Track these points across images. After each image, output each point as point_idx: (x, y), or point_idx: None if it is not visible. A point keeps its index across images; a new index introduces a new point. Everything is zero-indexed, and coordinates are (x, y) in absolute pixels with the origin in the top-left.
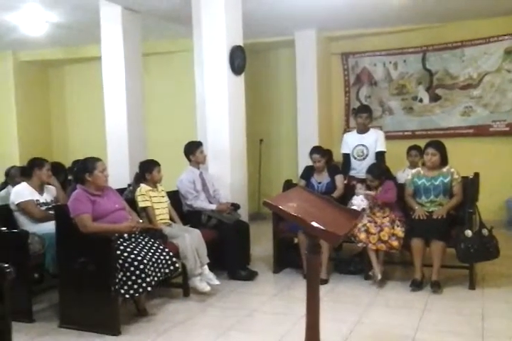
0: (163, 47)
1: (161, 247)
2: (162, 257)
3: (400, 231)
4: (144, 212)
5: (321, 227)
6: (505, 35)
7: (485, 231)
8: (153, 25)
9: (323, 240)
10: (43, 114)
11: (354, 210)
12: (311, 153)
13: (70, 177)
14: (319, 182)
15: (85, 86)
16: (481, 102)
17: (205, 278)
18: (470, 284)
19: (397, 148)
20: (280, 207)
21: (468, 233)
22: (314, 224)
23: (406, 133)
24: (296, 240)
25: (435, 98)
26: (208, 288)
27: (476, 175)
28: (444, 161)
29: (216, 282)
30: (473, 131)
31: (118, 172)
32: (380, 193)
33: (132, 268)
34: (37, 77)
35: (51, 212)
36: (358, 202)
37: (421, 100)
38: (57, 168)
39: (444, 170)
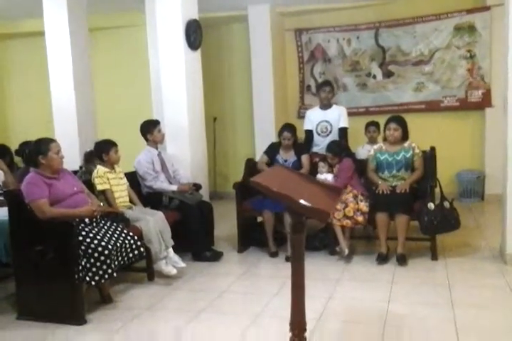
0: (112, 22)
1: (125, 231)
2: (126, 241)
3: (364, 206)
4: (103, 195)
5: (311, 205)
6: (454, 12)
7: (446, 204)
8: None
9: (311, 218)
10: None
11: (336, 187)
12: (282, 131)
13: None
14: (285, 160)
15: (26, 62)
16: (433, 78)
17: (170, 261)
18: (433, 255)
19: (352, 125)
20: (267, 185)
21: (431, 206)
22: (303, 202)
23: (360, 109)
24: (259, 218)
25: (388, 74)
26: (174, 271)
27: (433, 149)
28: (405, 136)
29: (182, 264)
30: (425, 106)
31: (68, 154)
32: (336, 172)
33: (96, 254)
34: None
35: (1, 198)
36: (322, 179)
37: (374, 76)
38: (1, 150)
39: (406, 144)
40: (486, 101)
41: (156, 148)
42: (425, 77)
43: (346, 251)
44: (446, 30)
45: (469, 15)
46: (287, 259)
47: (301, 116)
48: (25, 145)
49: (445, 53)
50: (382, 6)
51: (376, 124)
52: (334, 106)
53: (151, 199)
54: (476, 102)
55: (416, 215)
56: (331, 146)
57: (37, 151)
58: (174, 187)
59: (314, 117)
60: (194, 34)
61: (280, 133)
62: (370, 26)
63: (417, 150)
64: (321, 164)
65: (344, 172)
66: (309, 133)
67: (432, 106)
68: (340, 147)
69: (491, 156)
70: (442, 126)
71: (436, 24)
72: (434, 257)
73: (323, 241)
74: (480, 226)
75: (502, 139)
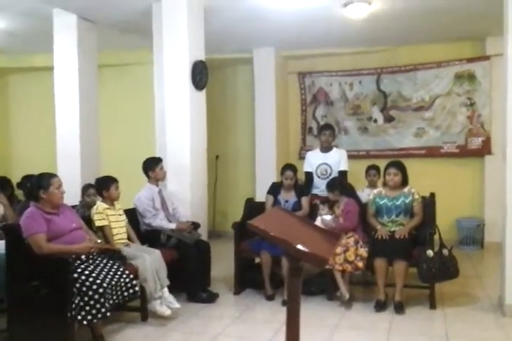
0: (120, 59)
1: (121, 269)
2: (122, 280)
3: (363, 251)
4: (101, 231)
5: (309, 251)
6: (455, 61)
7: (445, 251)
8: (109, 36)
9: (308, 263)
10: None
11: (334, 232)
12: (285, 170)
13: (16, 193)
14: (286, 201)
15: (32, 97)
16: (433, 124)
17: (165, 302)
18: (431, 304)
19: (352, 168)
20: (265, 229)
21: (430, 253)
22: (300, 247)
23: (361, 152)
24: (257, 260)
25: (389, 119)
26: (168, 312)
27: (432, 195)
28: (404, 181)
29: (177, 305)
30: (425, 151)
31: (69, 189)
32: (340, 214)
33: (91, 293)
34: None
35: None
36: (326, 221)
37: (375, 121)
38: (2, 184)
39: (405, 190)
40: (485, 149)
41: (157, 186)
42: (426, 123)
43: (347, 296)
44: (447, 77)
45: (469, 64)
46: (284, 303)
47: (302, 157)
48: (27, 178)
49: (446, 100)
50: (385, 53)
51: (376, 168)
52: (334, 149)
53: (149, 236)
54: (476, 149)
55: (414, 262)
56: (329, 183)
57: (38, 185)
58: (173, 226)
59: (314, 159)
60: (200, 74)
61: (282, 173)
62: (372, 72)
63: (416, 196)
64: (321, 206)
65: (352, 215)
66: (309, 175)
67: (432, 152)
68: (339, 183)
69: (490, 204)
70: (442, 172)
71: (437, 71)
72: (433, 306)
73: (320, 286)
74: (479, 275)
75: (501, 187)
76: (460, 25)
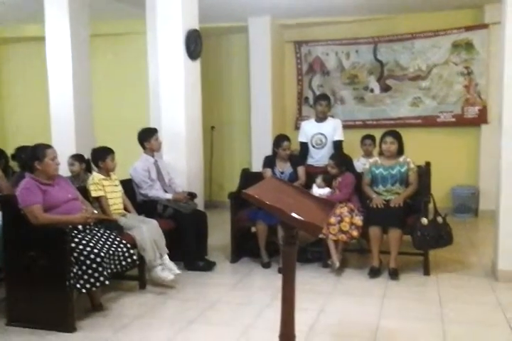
0: (113, 28)
1: (118, 239)
2: (119, 249)
3: (358, 220)
4: (97, 202)
5: (303, 219)
6: (453, 29)
7: (439, 219)
8: (102, 5)
9: (303, 231)
10: None
11: (329, 200)
12: (281, 141)
13: (11, 165)
14: (282, 172)
15: (26, 67)
16: (430, 93)
17: (166, 268)
18: (425, 270)
19: (348, 137)
20: (260, 198)
21: (425, 221)
22: (295, 215)
23: (357, 122)
24: (253, 229)
25: (385, 88)
26: (171, 277)
27: (428, 164)
28: (400, 151)
29: (177, 271)
30: (421, 121)
31: (64, 161)
32: (337, 185)
33: (88, 262)
34: None
35: None
36: (318, 192)
37: (372, 90)
38: None
39: (401, 159)
40: (482, 118)
41: (153, 156)
42: (422, 92)
43: (337, 265)
44: (445, 46)
45: (467, 32)
46: (280, 271)
47: (298, 128)
48: (21, 150)
49: (443, 69)
50: (382, 21)
51: (372, 138)
52: (329, 119)
53: (146, 207)
54: (472, 118)
55: (409, 230)
56: (335, 155)
57: (33, 157)
58: (169, 196)
59: (309, 129)
60: (194, 44)
61: (279, 144)
62: (369, 40)
63: (411, 165)
64: (319, 178)
65: (347, 187)
66: (304, 145)
67: (428, 122)
68: (343, 159)
69: (485, 172)
70: (438, 142)
71: (434, 40)
72: (427, 272)
73: (316, 253)
74: (473, 242)
75: (496, 156)
76: None
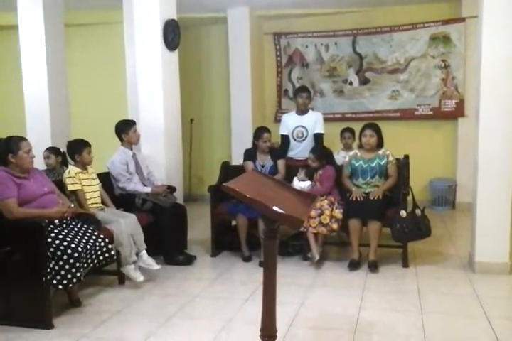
0: (89, 18)
1: (96, 233)
2: (97, 244)
3: (338, 213)
4: (74, 196)
5: (284, 212)
6: (430, 22)
7: (418, 212)
8: None
9: (284, 225)
10: None
11: (309, 193)
12: (262, 133)
13: None
14: (263, 166)
15: None
16: (408, 86)
17: (144, 264)
18: (404, 262)
19: (327, 130)
20: (241, 191)
21: (403, 213)
22: (276, 208)
23: (336, 115)
24: (234, 222)
25: (364, 81)
26: (141, 278)
27: (407, 157)
28: (380, 143)
29: (156, 267)
30: (399, 114)
31: (39, 153)
32: (318, 178)
33: (65, 257)
34: None
35: None
36: (299, 185)
37: (351, 83)
38: None
39: (380, 152)
40: (459, 111)
41: (131, 149)
42: (400, 85)
43: (317, 257)
44: (422, 39)
45: (445, 25)
46: (261, 264)
47: (278, 120)
48: None
49: (420, 62)
50: (361, 14)
51: (351, 131)
52: (310, 112)
53: (124, 201)
54: (450, 112)
55: (388, 222)
56: (316, 149)
57: (7, 149)
58: (148, 189)
59: (290, 122)
60: (172, 34)
61: (259, 136)
62: (348, 33)
63: (391, 158)
64: (300, 171)
65: (327, 181)
66: (285, 138)
67: (406, 114)
68: (323, 152)
69: (462, 165)
70: (416, 135)
71: (412, 33)
72: (405, 264)
73: (297, 246)
74: (450, 234)
75: (473, 149)
76: None
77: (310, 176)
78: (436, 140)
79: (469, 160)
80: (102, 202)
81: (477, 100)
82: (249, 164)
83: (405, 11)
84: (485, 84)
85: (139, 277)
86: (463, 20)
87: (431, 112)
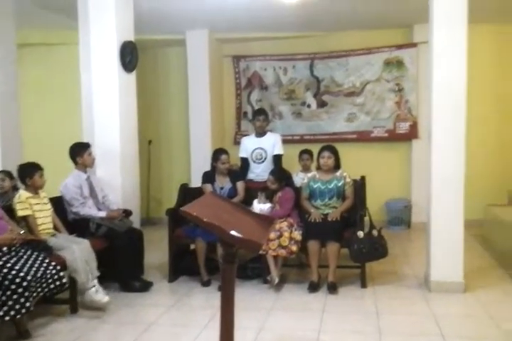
0: (43, 38)
1: (46, 260)
2: (48, 271)
3: (297, 234)
4: (24, 222)
5: (242, 236)
6: (385, 47)
7: (375, 232)
8: (30, 13)
9: (242, 249)
10: None
11: (267, 216)
12: (220, 154)
13: None
14: (221, 188)
15: None
16: (364, 109)
17: (100, 290)
18: (362, 283)
19: (286, 152)
20: (198, 215)
21: (360, 234)
22: (234, 233)
23: (295, 137)
24: (192, 246)
25: (322, 104)
26: (106, 298)
27: (363, 178)
28: (337, 165)
29: (106, 299)
30: (356, 136)
31: None
32: (277, 200)
33: (13, 286)
34: None
35: None
36: (260, 209)
37: (309, 106)
38: None
39: (338, 173)
40: (412, 133)
41: (85, 172)
42: (357, 108)
43: (276, 280)
44: (377, 64)
45: (398, 50)
46: (220, 289)
47: (237, 142)
48: None
49: (375, 86)
50: (318, 38)
51: (309, 152)
52: (269, 134)
53: (77, 225)
54: (404, 134)
55: (346, 243)
56: (275, 171)
57: None
58: (103, 214)
59: (249, 145)
60: (129, 56)
61: (217, 157)
62: (306, 57)
63: (348, 180)
64: (260, 194)
65: (287, 202)
66: (245, 161)
67: (362, 137)
68: (282, 174)
69: (416, 186)
70: (372, 156)
71: (367, 58)
72: (364, 285)
73: (256, 270)
74: (407, 254)
75: (427, 170)
76: (389, 12)
77: (270, 198)
78: (392, 161)
79: (424, 181)
80: (54, 228)
81: (429, 123)
82: (208, 186)
83: (361, 35)
84: (436, 107)
85: (104, 298)
86: (415, 45)
87: (386, 134)
